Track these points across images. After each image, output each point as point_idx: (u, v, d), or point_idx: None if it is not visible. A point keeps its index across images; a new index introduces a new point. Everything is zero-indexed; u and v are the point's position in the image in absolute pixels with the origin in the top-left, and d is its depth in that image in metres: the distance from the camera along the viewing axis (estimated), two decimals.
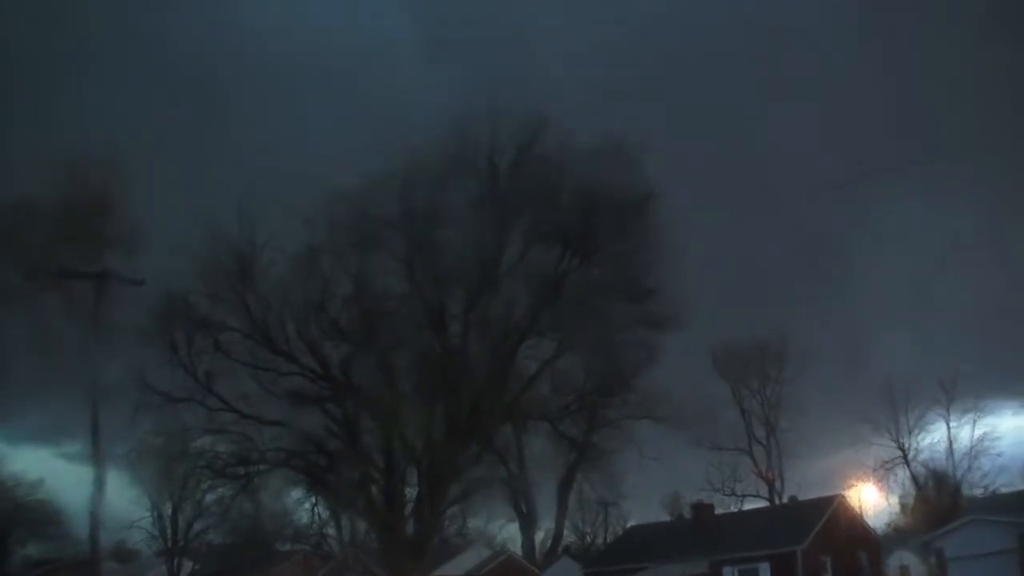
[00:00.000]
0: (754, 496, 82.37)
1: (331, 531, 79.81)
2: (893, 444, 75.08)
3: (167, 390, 39.02)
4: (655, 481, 68.92)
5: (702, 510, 64.69)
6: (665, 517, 74.89)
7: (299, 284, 39.54)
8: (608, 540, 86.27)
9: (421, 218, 38.64)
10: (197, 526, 73.03)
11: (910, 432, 75.10)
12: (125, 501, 66.33)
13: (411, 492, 42.69)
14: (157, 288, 37.78)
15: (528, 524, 77.91)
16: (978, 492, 72.42)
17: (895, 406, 74.33)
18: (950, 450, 74.48)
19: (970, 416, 73.19)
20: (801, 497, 67.18)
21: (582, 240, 38.62)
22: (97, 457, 35.21)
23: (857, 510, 62.69)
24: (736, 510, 76.58)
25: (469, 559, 73.27)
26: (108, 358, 37.73)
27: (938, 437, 74.97)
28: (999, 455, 71.66)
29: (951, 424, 74.19)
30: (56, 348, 39.03)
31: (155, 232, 41.68)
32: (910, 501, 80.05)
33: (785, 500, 73.79)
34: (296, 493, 51.92)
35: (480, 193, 39.09)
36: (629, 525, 77.31)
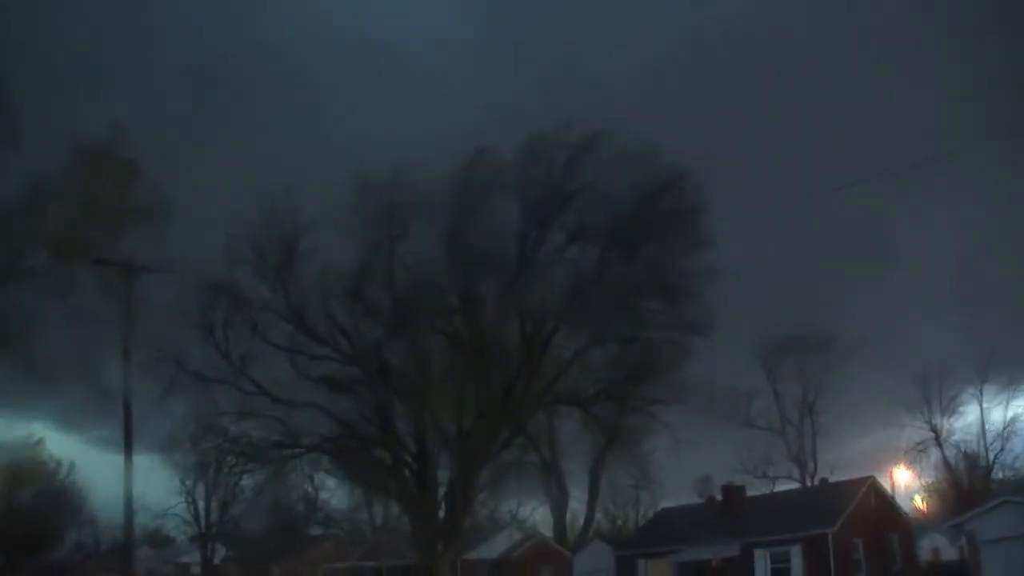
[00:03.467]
0: (786, 478, 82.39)
1: (363, 515, 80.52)
2: (925, 426, 74.93)
3: (200, 371, 39.25)
4: (687, 464, 68.72)
5: (733, 492, 64.64)
6: (697, 500, 74.74)
7: (335, 268, 39.62)
8: (639, 523, 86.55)
9: (462, 206, 38.66)
10: (230, 512, 73.70)
11: (942, 414, 74.86)
12: (159, 488, 67.17)
13: (443, 476, 42.98)
14: (193, 268, 38.23)
15: (560, 508, 78.27)
16: (1010, 474, 72.22)
17: (928, 387, 74.15)
18: (982, 432, 74.29)
19: (1003, 397, 72.97)
20: (833, 479, 67.06)
21: (623, 239, 38.50)
22: (128, 443, 35.74)
23: (889, 492, 62.53)
24: (768, 492, 76.54)
25: (501, 542, 73.62)
26: (141, 339, 38.27)
27: (971, 419, 74.86)
28: None
29: (984, 405, 74.00)
30: (88, 329, 39.47)
31: (194, 213, 42.19)
32: (942, 483, 79.72)
33: (817, 483, 73.62)
34: (329, 478, 52.44)
35: (524, 186, 38.99)
36: (660, 508, 77.31)
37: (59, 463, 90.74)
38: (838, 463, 77.19)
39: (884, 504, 58.62)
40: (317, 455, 44.72)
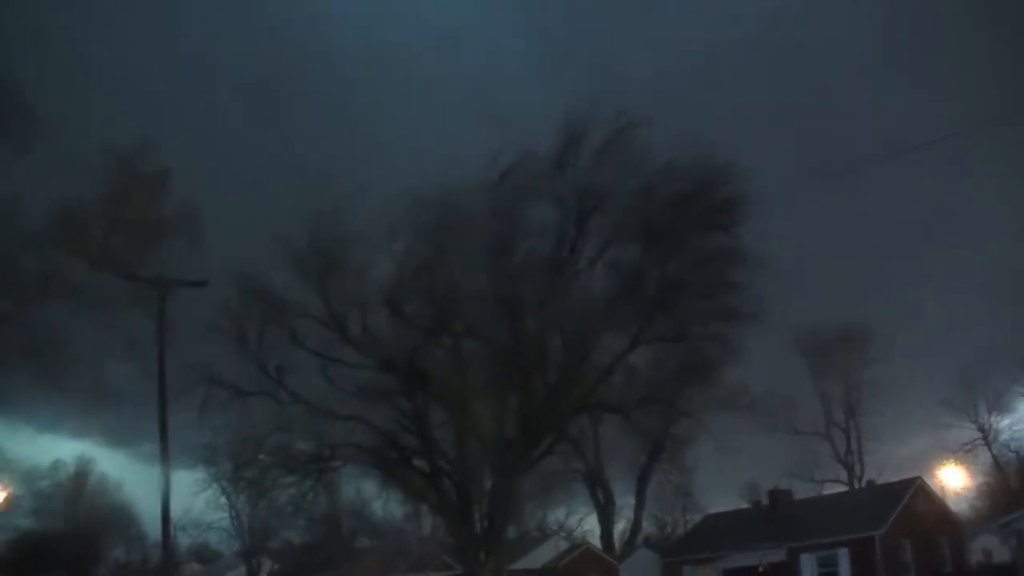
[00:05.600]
0: (833, 481, 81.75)
1: (411, 526, 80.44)
2: (973, 426, 74.12)
3: (236, 384, 39.25)
4: (733, 469, 68.62)
5: (779, 496, 64.09)
6: (743, 505, 74.24)
7: (373, 275, 39.57)
8: (686, 529, 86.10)
9: (499, 212, 38.56)
10: (273, 525, 73.92)
11: (989, 413, 74.07)
12: (204, 503, 67.50)
13: (485, 485, 42.81)
14: (226, 279, 38.38)
15: (606, 515, 78.01)
16: None
17: (974, 386, 73.36)
18: None
19: None
20: (881, 481, 66.30)
21: (664, 238, 38.16)
22: (165, 459, 35.82)
23: (938, 493, 61.74)
24: (815, 496, 75.89)
25: (547, 552, 73.47)
26: (177, 354, 38.44)
27: (1019, 417, 74.01)
28: None
29: None
30: (125, 345, 39.73)
31: (230, 224, 42.40)
32: (992, 483, 78.85)
33: (864, 484, 72.93)
34: (372, 488, 52.39)
35: (561, 188, 38.84)
36: (707, 513, 76.89)
37: (107, 480, 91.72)
38: (886, 464, 76.17)
39: (933, 505, 57.82)
40: (357, 466, 44.74)
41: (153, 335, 37.22)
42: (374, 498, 56.77)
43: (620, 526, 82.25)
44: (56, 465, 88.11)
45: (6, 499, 63.60)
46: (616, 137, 38.18)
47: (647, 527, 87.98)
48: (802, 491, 73.82)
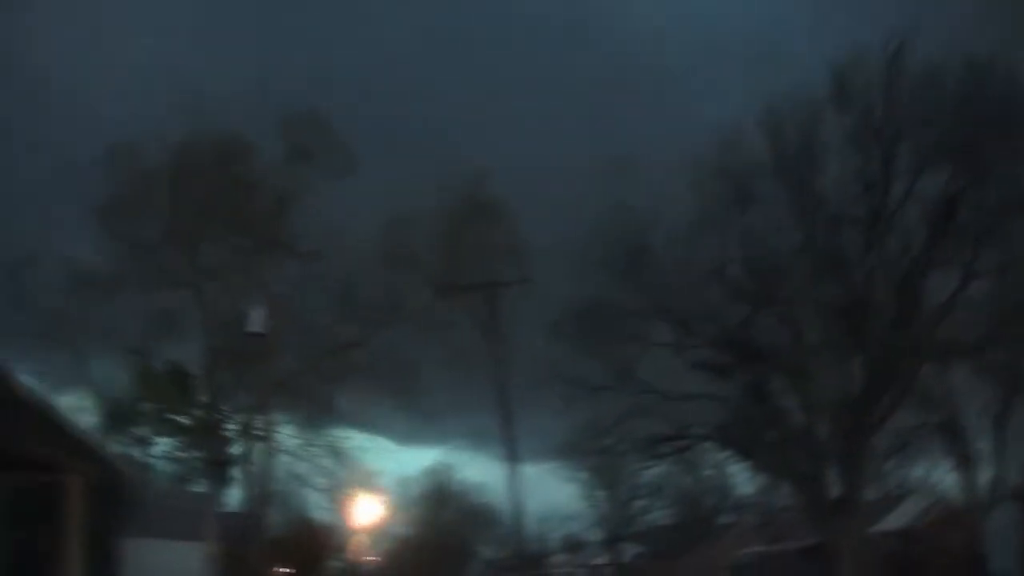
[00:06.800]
0: None
1: (772, 498, 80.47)
2: None
3: (585, 381, 41.10)
4: None
5: None
6: None
7: (691, 254, 40.45)
8: None
9: (801, 163, 38.54)
10: (634, 509, 75.86)
11: None
12: (566, 495, 70.47)
13: (836, 449, 42.46)
14: (555, 280, 40.32)
15: (966, 468, 75.02)
16: None
17: None
18: None
19: None
20: None
21: (969, 158, 36.68)
22: (512, 459, 38.30)
23: None
24: None
25: (907, 511, 71.69)
26: (524, 358, 40.83)
27: None
28: None
29: None
30: (464, 354, 42.67)
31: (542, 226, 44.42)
32: None
33: None
34: (728, 464, 53.29)
35: (856, 127, 38.22)
36: None
37: (467, 483, 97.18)
38: None
39: None
40: (710, 443, 45.74)
41: (487, 339, 39.89)
42: (730, 474, 57.65)
43: (984, 478, 79.06)
44: (420, 473, 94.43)
45: (386, 511, 68.26)
46: (894, 62, 37.19)
47: (1014, 477, 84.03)
48: None
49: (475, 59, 78.35)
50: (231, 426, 49.99)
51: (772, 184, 39.26)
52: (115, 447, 31.35)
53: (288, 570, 79.16)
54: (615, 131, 60.99)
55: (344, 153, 47.64)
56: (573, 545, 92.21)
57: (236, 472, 49.39)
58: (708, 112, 47.47)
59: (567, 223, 41.39)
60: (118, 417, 40.26)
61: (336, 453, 51.01)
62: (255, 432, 48.33)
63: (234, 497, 49.58)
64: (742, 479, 54.49)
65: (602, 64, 69.05)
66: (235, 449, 49.78)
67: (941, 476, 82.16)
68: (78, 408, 39.34)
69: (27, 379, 12.87)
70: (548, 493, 64.71)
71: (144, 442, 41.85)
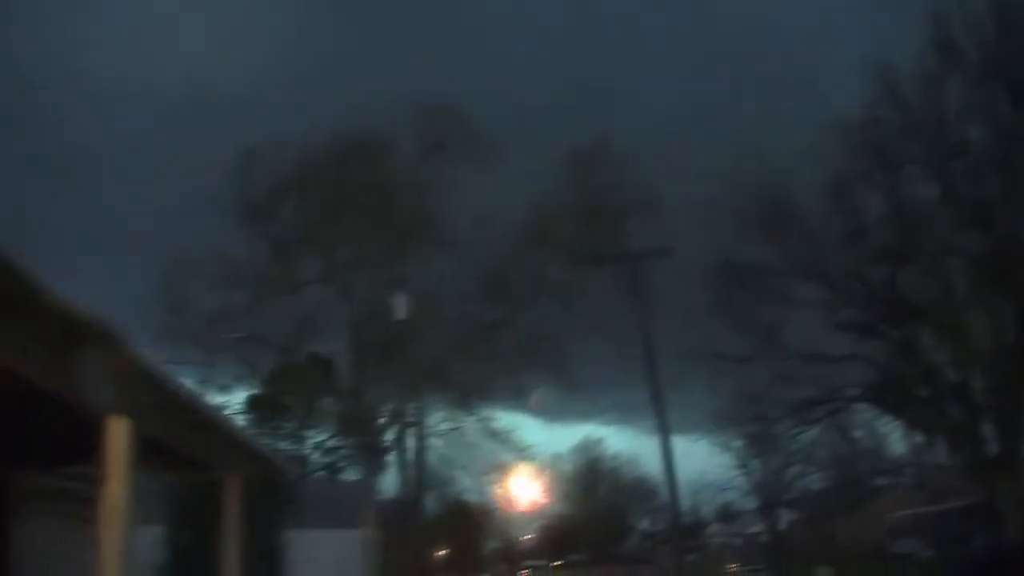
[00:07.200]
0: None
1: (929, 458, 79.06)
2: None
3: (730, 353, 41.29)
4: None
5: None
6: None
7: (834, 214, 40.18)
8: None
9: (932, 118, 37.82)
10: (788, 475, 75.41)
11: None
12: (721, 465, 70.45)
13: (993, 404, 41.53)
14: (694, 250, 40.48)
15: None
16: None
17: None
18: None
19: None
20: None
21: None
22: (663, 431, 38.41)
23: None
24: None
25: None
26: (671, 331, 41.04)
27: None
28: None
29: None
30: (618, 328, 43.00)
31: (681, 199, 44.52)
32: None
33: None
34: (881, 425, 52.63)
35: (976, 75, 37.33)
36: None
37: (620, 457, 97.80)
38: None
39: None
40: (863, 404, 45.34)
41: (632, 310, 40.20)
42: (883, 435, 56.87)
43: None
44: (571, 450, 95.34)
45: (545, 490, 69.19)
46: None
47: None
48: None
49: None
50: (382, 414, 51.31)
51: (907, 139, 38.69)
52: (268, 443, 32.52)
53: (446, 551, 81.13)
54: (749, 98, 60.44)
55: (481, 142, 48.41)
56: (728, 515, 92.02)
57: (390, 459, 50.65)
58: (834, 73, 46.71)
59: (707, 187, 41.32)
60: (268, 413, 41.65)
61: (488, 434, 51.91)
62: (407, 418, 49.49)
63: (390, 483, 51.00)
64: (895, 439, 53.59)
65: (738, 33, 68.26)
66: (388, 436, 51.10)
67: None
68: (231, 407, 40.75)
69: (187, 382, 13.91)
70: (700, 464, 64.76)
71: (296, 436, 43.14)
